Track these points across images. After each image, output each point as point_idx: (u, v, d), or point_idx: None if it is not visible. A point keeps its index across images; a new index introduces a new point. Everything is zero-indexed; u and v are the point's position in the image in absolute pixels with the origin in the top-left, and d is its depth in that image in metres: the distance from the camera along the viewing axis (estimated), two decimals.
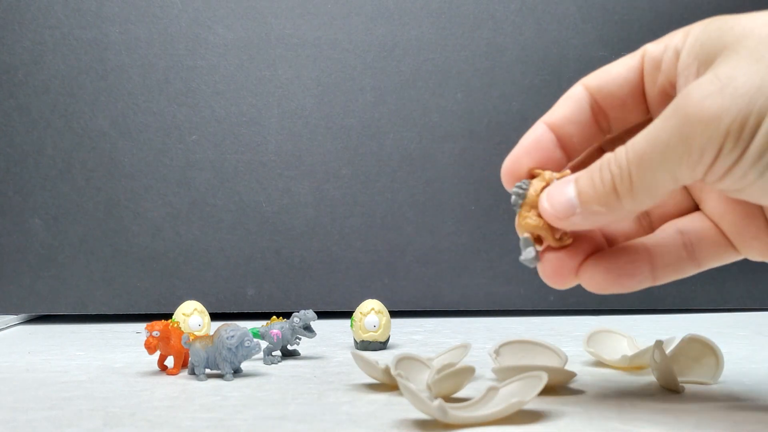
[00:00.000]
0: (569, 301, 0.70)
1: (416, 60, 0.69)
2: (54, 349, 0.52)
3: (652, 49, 0.30)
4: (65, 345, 0.54)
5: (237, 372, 0.41)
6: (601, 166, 0.28)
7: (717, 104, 0.24)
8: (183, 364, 0.43)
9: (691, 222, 0.32)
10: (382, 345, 0.50)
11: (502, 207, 0.70)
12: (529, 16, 0.70)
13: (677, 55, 0.29)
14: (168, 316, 0.62)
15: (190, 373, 0.41)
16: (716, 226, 0.32)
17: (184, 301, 0.56)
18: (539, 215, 0.31)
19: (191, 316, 0.53)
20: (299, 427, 0.30)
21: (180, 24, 0.67)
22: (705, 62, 0.27)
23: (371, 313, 0.50)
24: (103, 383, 0.39)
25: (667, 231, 0.32)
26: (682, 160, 0.25)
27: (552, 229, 0.31)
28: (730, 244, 0.31)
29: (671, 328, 0.59)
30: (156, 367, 0.44)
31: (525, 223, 0.31)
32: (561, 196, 0.29)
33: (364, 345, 0.50)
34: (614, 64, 0.32)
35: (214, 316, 0.61)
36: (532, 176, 0.32)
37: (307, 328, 0.46)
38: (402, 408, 0.33)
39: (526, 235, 0.31)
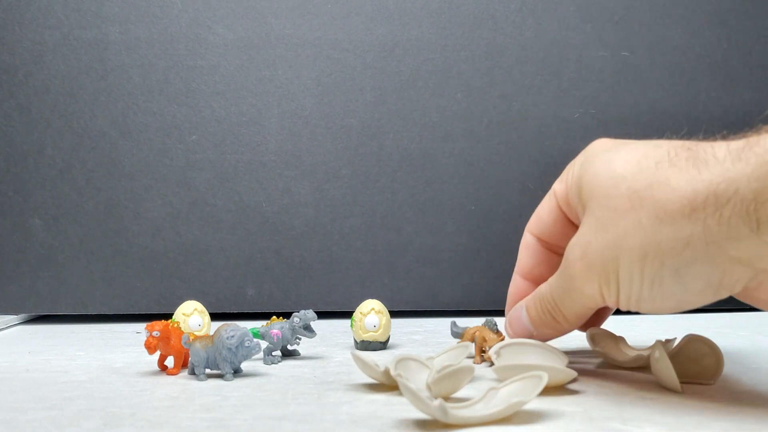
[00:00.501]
0: None
1: (416, 60, 0.69)
2: (54, 349, 0.52)
3: (558, 189, 0.39)
4: (65, 345, 0.54)
5: (237, 372, 0.41)
6: (535, 299, 0.38)
7: (585, 268, 0.33)
8: (183, 364, 0.43)
9: None
10: (382, 345, 0.50)
11: (502, 207, 0.70)
12: (529, 16, 0.70)
13: (571, 194, 0.36)
14: (168, 316, 0.62)
15: (190, 373, 0.41)
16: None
17: (184, 301, 0.56)
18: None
19: (191, 316, 0.53)
20: (299, 427, 0.30)
21: (180, 24, 0.67)
22: (581, 210, 0.35)
23: (371, 313, 0.50)
24: (103, 383, 0.39)
25: None
26: (582, 302, 0.34)
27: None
28: None
29: (671, 328, 0.59)
30: (156, 367, 0.44)
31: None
32: (518, 324, 0.39)
33: (364, 345, 0.50)
34: (541, 207, 0.40)
35: (214, 316, 0.61)
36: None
37: (307, 328, 0.46)
38: (402, 408, 0.33)
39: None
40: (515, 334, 0.40)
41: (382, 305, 0.51)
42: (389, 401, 0.34)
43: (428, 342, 0.54)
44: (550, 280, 0.36)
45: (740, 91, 0.71)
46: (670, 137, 0.35)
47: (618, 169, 0.32)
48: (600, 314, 0.43)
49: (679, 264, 0.29)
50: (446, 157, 0.69)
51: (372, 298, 0.53)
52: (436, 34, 0.69)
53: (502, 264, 0.69)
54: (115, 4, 0.67)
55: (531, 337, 0.39)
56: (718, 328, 0.59)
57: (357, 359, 0.37)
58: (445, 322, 0.64)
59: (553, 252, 0.41)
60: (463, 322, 0.53)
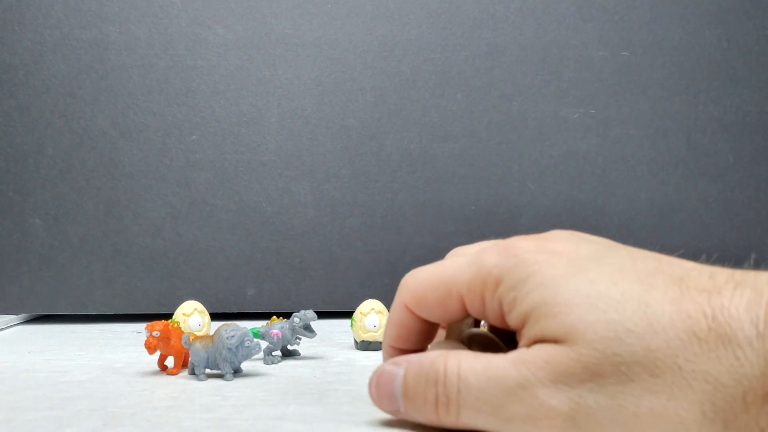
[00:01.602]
0: None
1: (416, 60, 0.69)
2: (54, 349, 0.52)
3: (469, 291, 0.29)
4: (65, 345, 0.54)
5: (237, 372, 0.41)
6: (428, 378, 0.28)
7: (570, 431, 0.24)
8: (183, 364, 0.43)
9: None
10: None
11: (502, 207, 0.70)
12: (529, 16, 0.70)
13: (500, 308, 0.28)
14: (168, 316, 0.62)
15: (190, 373, 0.41)
16: None
17: (184, 301, 0.56)
18: None
19: (191, 316, 0.53)
20: (299, 427, 0.30)
21: (180, 24, 0.67)
22: (538, 341, 0.26)
23: (371, 313, 0.50)
24: (103, 383, 0.39)
25: None
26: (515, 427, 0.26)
27: None
28: None
29: None
30: (156, 367, 0.44)
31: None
32: (388, 388, 0.29)
33: (365, 345, 0.50)
34: (425, 287, 0.31)
35: (214, 316, 0.61)
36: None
37: (307, 328, 0.46)
38: None
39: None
40: (379, 400, 0.30)
41: (383, 305, 0.51)
42: None
43: None
44: (477, 368, 0.27)
45: (740, 91, 0.71)
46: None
47: (617, 319, 0.24)
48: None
49: None
50: (446, 157, 0.69)
51: (372, 298, 0.53)
52: (436, 34, 0.69)
53: None
54: (114, 4, 0.67)
55: (396, 410, 0.29)
56: None
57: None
58: None
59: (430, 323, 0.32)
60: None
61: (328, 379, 0.40)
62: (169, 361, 0.43)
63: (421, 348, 0.32)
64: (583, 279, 0.25)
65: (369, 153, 0.69)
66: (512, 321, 0.27)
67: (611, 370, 0.24)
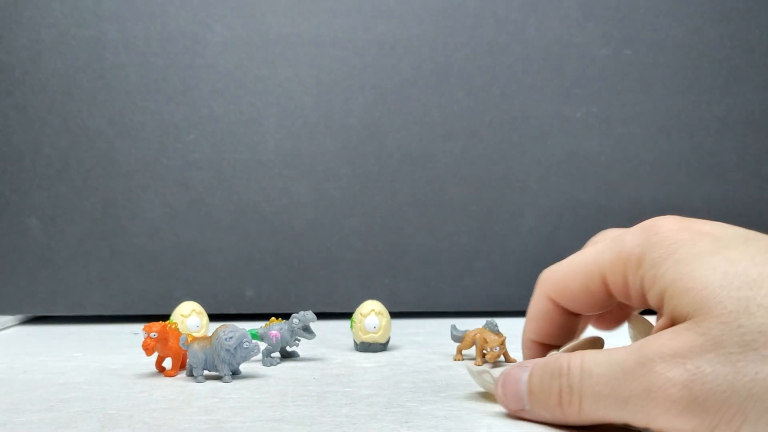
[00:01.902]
0: None
1: (417, 58, 0.69)
2: (51, 351, 0.51)
3: (611, 276, 0.30)
4: (62, 346, 0.54)
5: (235, 373, 0.40)
6: (552, 372, 0.29)
7: (687, 400, 0.24)
8: (181, 365, 0.42)
9: None
10: (383, 346, 0.50)
11: (503, 207, 0.69)
12: (531, 15, 0.69)
13: (641, 291, 0.28)
14: (166, 317, 0.61)
15: (188, 375, 0.41)
16: None
17: (182, 301, 0.56)
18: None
19: (189, 317, 0.53)
20: (298, 429, 0.29)
21: (178, 22, 0.67)
22: (668, 317, 0.26)
23: (371, 314, 0.49)
24: (100, 385, 0.39)
25: None
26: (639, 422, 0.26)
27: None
28: None
29: None
30: (154, 369, 0.43)
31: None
32: (514, 388, 0.31)
33: (364, 346, 0.49)
34: (570, 274, 0.32)
35: (213, 317, 0.60)
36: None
37: (307, 330, 0.46)
38: (402, 410, 0.32)
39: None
40: (505, 401, 0.31)
41: (383, 306, 0.50)
42: (389, 403, 0.34)
43: (429, 344, 0.53)
44: (599, 358, 0.27)
45: (743, 90, 0.71)
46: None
47: (742, 289, 0.24)
48: (619, 314, 0.35)
49: None
50: (447, 157, 0.69)
51: (372, 298, 0.52)
52: (437, 32, 0.69)
53: (502, 265, 0.69)
54: (112, 3, 0.66)
55: (521, 410, 0.30)
56: None
57: (472, 373, 0.35)
58: (445, 323, 0.63)
59: (572, 314, 0.33)
60: (464, 324, 0.53)
61: (328, 381, 0.39)
62: (167, 363, 0.43)
63: (561, 343, 0.33)
64: (722, 258, 0.25)
65: (369, 153, 0.69)
66: (652, 300, 0.28)
67: (734, 341, 0.24)
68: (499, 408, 0.32)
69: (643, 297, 0.28)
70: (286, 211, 0.68)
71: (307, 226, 0.68)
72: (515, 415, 0.31)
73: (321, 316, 0.66)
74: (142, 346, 0.40)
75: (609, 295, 0.30)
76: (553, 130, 0.70)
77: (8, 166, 0.66)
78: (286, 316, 0.51)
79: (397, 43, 0.69)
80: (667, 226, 0.28)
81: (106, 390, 0.38)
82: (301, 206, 0.68)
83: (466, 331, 0.47)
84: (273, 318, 0.48)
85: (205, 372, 0.40)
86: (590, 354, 0.28)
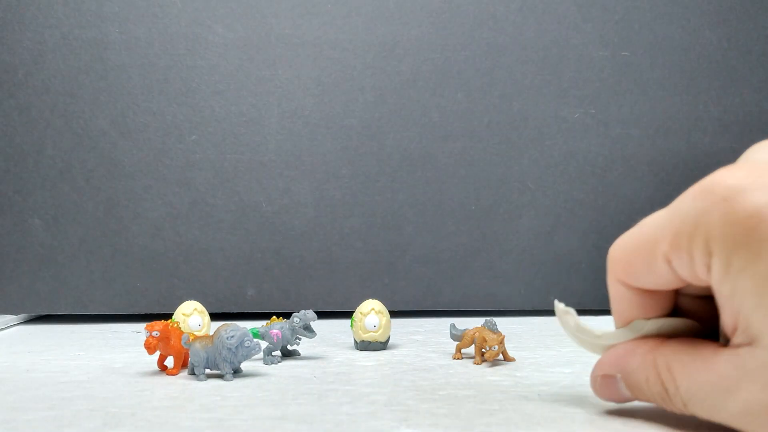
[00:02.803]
0: (569, 302, 0.70)
1: (416, 60, 0.69)
2: (54, 350, 0.52)
3: (677, 265, 0.26)
4: (65, 345, 0.54)
5: (237, 372, 0.41)
6: (645, 381, 0.28)
7: None
8: (183, 364, 0.42)
9: None
10: (383, 345, 0.50)
11: (503, 207, 0.70)
12: (530, 16, 0.70)
13: (711, 281, 0.25)
14: (168, 316, 0.62)
15: (189, 374, 0.41)
16: None
17: (183, 301, 0.56)
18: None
19: (191, 316, 0.53)
20: (299, 427, 0.30)
21: (180, 23, 0.67)
22: (750, 338, 0.24)
23: (371, 313, 0.50)
24: (102, 383, 0.39)
25: None
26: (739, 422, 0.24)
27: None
28: None
29: None
30: (156, 368, 0.44)
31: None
32: (613, 393, 0.30)
33: (364, 345, 0.50)
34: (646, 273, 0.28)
35: (214, 316, 0.61)
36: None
37: (307, 328, 0.46)
38: (402, 408, 0.33)
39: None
40: (607, 399, 0.31)
41: (382, 305, 0.50)
42: (389, 401, 0.34)
43: (429, 342, 0.54)
44: (684, 359, 0.26)
45: (740, 91, 0.71)
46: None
47: None
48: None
49: None
50: (446, 157, 0.69)
51: (372, 298, 0.53)
52: (437, 33, 0.69)
53: (502, 264, 0.69)
54: (114, 4, 0.67)
55: (626, 399, 0.30)
56: None
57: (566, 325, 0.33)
58: (445, 323, 0.64)
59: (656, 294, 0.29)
60: (463, 323, 0.53)
61: (328, 380, 0.40)
62: (169, 362, 0.43)
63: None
64: None
65: (369, 153, 0.69)
66: (719, 293, 0.24)
67: None
68: (498, 406, 0.33)
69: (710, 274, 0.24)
70: (287, 211, 0.68)
71: (308, 226, 0.68)
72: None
73: (321, 315, 0.66)
74: (144, 344, 0.41)
75: (678, 275, 0.26)
76: (551, 131, 0.70)
77: (11, 167, 0.66)
78: (287, 315, 0.51)
79: (396, 44, 0.69)
80: (728, 183, 0.23)
81: (108, 388, 0.38)
82: (301, 206, 0.68)
83: (465, 329, 0.47)
84: (274, 317, 0.48)
85: (207, 370, 0.40)
86: (673, 355, 0.26)
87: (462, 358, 0.46)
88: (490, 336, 0.43)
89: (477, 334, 0.45)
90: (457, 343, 0.47)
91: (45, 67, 0.66)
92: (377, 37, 0.69)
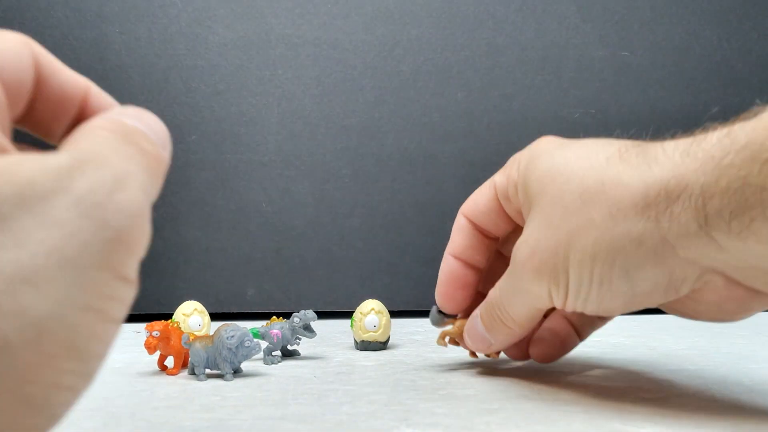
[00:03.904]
0: None
1: (417, 60, 0.69)
2: None
3: (499, 181, 0.37)
4: None
5: (237, 372, 0.41)
6: (487, 306, 0.37)
7: (534, 267, 0.32)
8: (183, 364, 0.42)
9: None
10: (383, 345, 0.50)
11: None
12: (530, 16, 0.70)
13: (516, 190, 0.35)
14: (168, 316, 0.62)
15: (190, 373, 0.41)
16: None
17: (184, 301, 0.56)
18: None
19: (191, 316, 0.53)
20: (299, 427, 0.30)
21: (180, 24, 0.67)
22: (527, 206, 0.34)
23: (371, 313, 0.50)
24: (103, 383, 0.39)
25: None
26: (532, 303, 0.33)
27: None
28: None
29: (672, 328, 0.59)
30: (156, 367, 0.44)
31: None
32: (476, 334, 0.38)
33: (364, 345, 0.50)
34: (479, 194, 0.40)
35: (214, 316, 0.61)
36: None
37: (307, 328, 0.46)
38: (402, 408, 0.33)
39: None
40: (473, 345, 0.39)
41: (383, 305, 0.50)
42: (389, 401, 0.34)
43: (429, 342, 0.54)
44: (499, 282, 0.36)
45: (740, 91, 0.71)
46: (621, 137, 0.36)
47: (568, 166, 0.31)
48: (564, 342, 0.40)
49: (630, 264, 0.29)
50: (446, 157, 0.69)
51: (372, 298, 0.53)
52: (437, 33, 0.69)
53: None
54: (115, 4, 0.67)
55: (488, 346, 0.38)
56: (718, 328, 0.59)
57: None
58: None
59: (485, 236, 0.40)
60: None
61: (328, 380, 0.40)
62: (169, 361, 0.43)
63: (476, 262, 0.40)
64: (563, 151, 0.33)
65: (369, 153, 0.69)
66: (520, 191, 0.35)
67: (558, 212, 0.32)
68: (498, 405, 0.33)
69: (522, 190, 0.34)
70: (286, 211, 0.68)
71: (308, 226, 0.68)
72: (492, 352, 0.39)
73: (321, 315, 0.66)
74: (144, 344, 0.41)
75: (506, 213, 0.38)
76: (551, 131, 0.70)
77: None
78: (287, 315, 0.51)
79: (397, 44, 0.69)
80: (543, 139, 0.36)
81: (108, 388, 0.38)
82: (301, 206, 0.68)
83: (455, 316, 0.42)
84: (274, 317, 0.48)
85: (207, 370, 0.40)
86: (495, 286, 0.36)
87: (447, 346, 0.43)
88: None
89: (464, 322, 0.41)
90: (440, 329, 0.43)
91: None
92: (377, 37, 0.69)
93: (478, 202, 0.39)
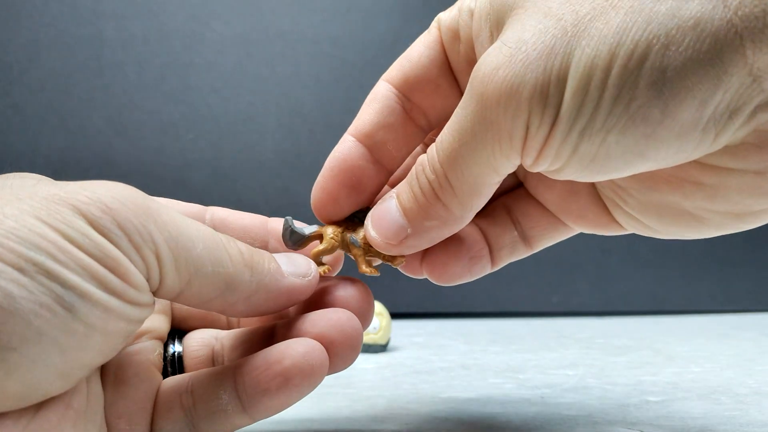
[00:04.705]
0: (572, 303, 0.69)
1: None
2: None
3: (445, 17, 0.26)
4: None
5: None
6: (416, 173, 0.25)
7: (510, 75, 0.20)
8: None
9: (516, 198, 0.29)
10: (383, 347, 0.49)
11: None
12: None
13: (471, 16, 0.25)
14: None
15: None
16: (540, 203, 0.29)
17: None
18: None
19: None
20: (299, 427, 0.29)
21: (176, 20, 0.67)
22: (496, 24, 0.23)
23: None
24: None
25: (496, 209, 0.29)
26: (494, 149, 0.22)
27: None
28: (558, 220, 0.28)
29: (676, 330, 0.58)
30: None
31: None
32: (387, 218, 0.26)
33: (365, 347, 0.49)
34: (413, 46, 0.28)
35: None
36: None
37: None
38: (403, 412, 0.32)
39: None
40: (384, 238, 0.26)
41: (383, 307, 0.50)
42: (390, 405, 0.34)
43: (430, 345, 0.53)
44: (444, 130, 0.23)
45: None
46: None
47: None
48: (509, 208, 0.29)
49: (669, 63, 0.18)
50: None
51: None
52: None
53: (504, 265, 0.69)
54: (110, 1, 0.66)
55: (405, 236, 0.26)
56: (723, 330, 0.58)
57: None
58: (446, 324, 0.63)
59: (410, 117, 0.29)
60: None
61: (328, 382, 0.39)
62: None
63: (386, 153, 0.29)
64: None
65: None
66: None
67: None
68: (500, 409, 0.32)
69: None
70: (286, 211, 0.68)
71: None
72: (402, 250, 0.26)
73: None
74: None
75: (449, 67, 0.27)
76: None
77: (6, 166, 0.66)
78: None
79: (396, 41, 0.68)
80: None
81: None
82: (301, 206, 0.68)
83: (319, 227, 0.31)
84: None
85: None
86: (438, 138, 0.24)
87: (378, 273, 0.31)
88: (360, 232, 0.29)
89: (339, 231, 0.30)
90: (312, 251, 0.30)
91: (40, 65, 0.66)
92: (377, 34, 0.68)
93: (411, 57, 0.28)
